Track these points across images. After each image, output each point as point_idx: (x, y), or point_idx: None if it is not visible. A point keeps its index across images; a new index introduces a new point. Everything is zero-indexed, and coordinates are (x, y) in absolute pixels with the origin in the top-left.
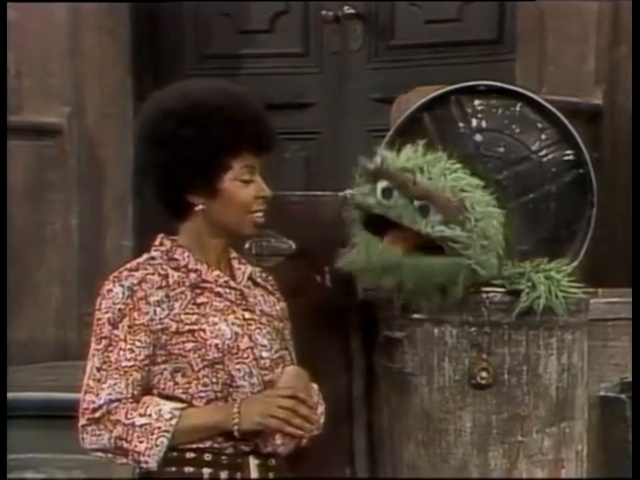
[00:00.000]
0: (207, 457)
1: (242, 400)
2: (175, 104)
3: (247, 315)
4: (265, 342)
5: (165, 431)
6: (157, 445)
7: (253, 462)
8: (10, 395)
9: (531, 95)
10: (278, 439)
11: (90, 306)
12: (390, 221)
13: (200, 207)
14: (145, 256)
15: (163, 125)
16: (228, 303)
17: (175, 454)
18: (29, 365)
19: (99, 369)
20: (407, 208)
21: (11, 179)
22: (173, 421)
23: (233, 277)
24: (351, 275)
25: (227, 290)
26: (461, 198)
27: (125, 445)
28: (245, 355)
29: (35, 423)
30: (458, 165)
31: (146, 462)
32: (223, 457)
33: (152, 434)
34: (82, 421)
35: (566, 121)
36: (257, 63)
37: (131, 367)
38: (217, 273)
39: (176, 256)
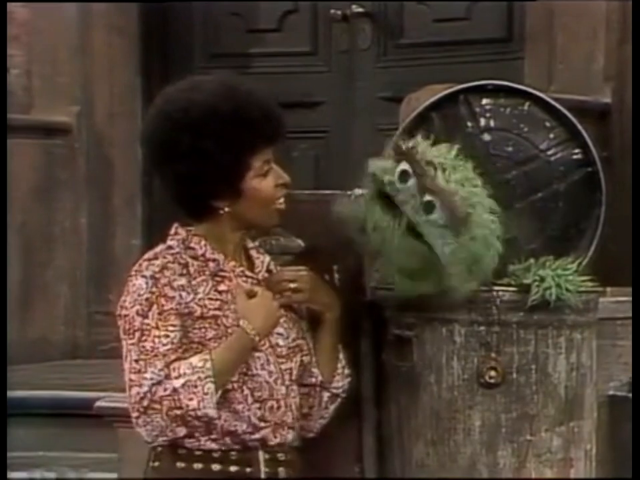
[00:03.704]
0: (216, 453)
1: (242, 318)
2: (185, 114)
3: None
4: (281, 330)
5: (206, 377)
6: (205, 393)
7: (262, 456)
8: (19, 392)
9: (539, 93)
10: (286, 429)
11: (99, 304)
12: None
13: (225, 209)
14: (162, 245)
15: (177, 139)
16: None
17: (183, 450)
18: (39, 363)
19: (137, 361)
20: (414, 198)
21: (20, 178)
22: (208, 364)
23: (251, 267)
24: (360, 274)
25: (244, 279)
26: (468, 212)
27: (178, 412)
28: (262, 343)
29: (44, 421)
30: (478, 181)
31: (205, 414)
32: (232, 453)
33: (196, 387)
34: (134, 415)
35: (574, 120)
36: (265, 62)
37: (168, 350)
38: (232, 263)
39: (192, 245)
